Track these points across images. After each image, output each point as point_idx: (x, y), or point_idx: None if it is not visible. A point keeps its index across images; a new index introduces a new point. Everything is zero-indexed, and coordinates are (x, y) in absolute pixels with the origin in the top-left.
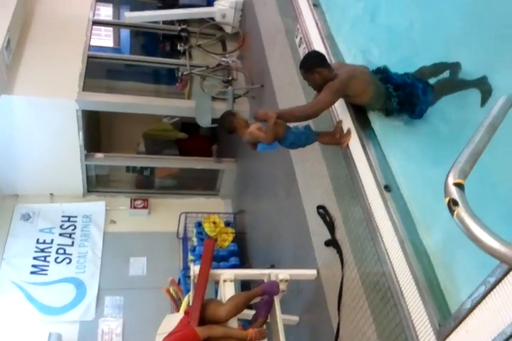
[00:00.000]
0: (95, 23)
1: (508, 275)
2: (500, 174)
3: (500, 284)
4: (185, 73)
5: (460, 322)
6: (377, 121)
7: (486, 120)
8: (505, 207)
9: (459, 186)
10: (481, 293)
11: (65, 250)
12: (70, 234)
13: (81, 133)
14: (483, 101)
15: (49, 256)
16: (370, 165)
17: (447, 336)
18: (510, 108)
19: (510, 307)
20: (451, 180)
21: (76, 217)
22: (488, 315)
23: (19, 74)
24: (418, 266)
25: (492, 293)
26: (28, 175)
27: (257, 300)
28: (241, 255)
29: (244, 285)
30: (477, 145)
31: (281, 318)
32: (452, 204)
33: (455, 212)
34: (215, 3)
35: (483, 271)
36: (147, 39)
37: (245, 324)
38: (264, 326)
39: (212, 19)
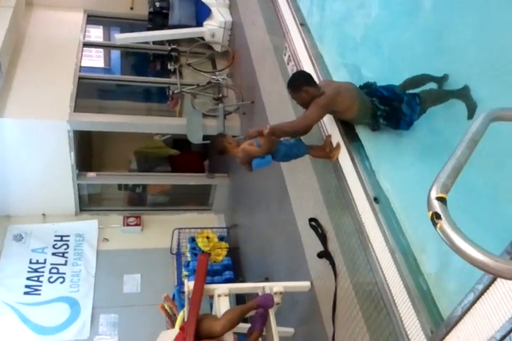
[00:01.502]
0: (86, 44)
1: (496, 282)
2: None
3: (488, 291)
4: (176, 91)
5: (451, 329)
6: (364, 134)
7: (466, 136)
8: (490, 219)
9: (442, 200)
10: (470, 300)
11: (58, 269)
12: (63, 254)
13: (73, 153)
14: (470, 114)
15: (42, 275)
16: (360, 178)
17: None
18: (490, 123)
19: (498, 313)
20: (433, 195)
21: (69, 236)
22: (478, 321)
23: (10, 97)
24: (409, 274)
25: (481, 299)
26: (20, 196)
27: (252, 313)
28: (235, 269)
29: (239, 298)
30: (458, 160)
31: (276, 331)
32: (435, 217)
33: (438, 225)
34: (205, 23)
35: (473, 277)
36: (138, 59)
37: (241, 337)
38: (260, 339)
39: (202, 38)
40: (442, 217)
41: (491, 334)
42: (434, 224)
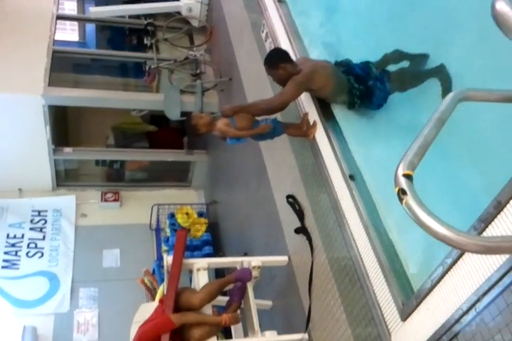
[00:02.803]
0: (59, 17)
1: (463, 257)
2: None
3: (456, 265)
4: (152, 67)
5: (421, 301)
6: (340, 113)
7: (434, 115)
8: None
9: (408, 177)
10: (439, 273)
11: (36, 244)
12: (41, 228)
13: (48, 128)
14: (444, 93)
15: (20, 250)
16: (336, 156)
17: (410, 314)
18: (458, 103)
19: (466, 286)
20: (400, 172)
21: (46, 211)
22: (446, 294)
23: None
24: (382, 249)
25: (449, 273)
26: None
27: (230, 287)
28: (214, 244)
29: (219, 273)
30: (425, 139)
31: (254, 303)
32: (401, 193)
33: (404, 201)
34: None
35: (443, 251)
36: (113, 33)
37: (220, 310)
38: (239, 311)
39: (179, 13)
40: (408, 192)
41: (458, 305)
42: (400, 200)
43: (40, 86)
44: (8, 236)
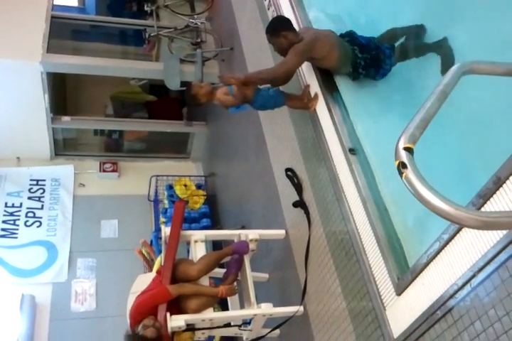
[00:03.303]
0: None
1: (460, 233)
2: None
3: (453, 240)
4: (152, 34)
5: (416, 276)
6: (343, 85)
7: (437, 88)
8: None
9: (409, 150)
10: (435, 248)
11: (34, 213)
12: (39, 198)
13: (46, 95)
14: (445, 67)
15: (18, 219)
16: (336, 129)
17: (405, 289)
18: (462, 76)
19: (461, 262)
20: (401, 145)
21: (44, 180)
22: (441, 269)
23: None
24: (379, 224)
25: (446, 248)
26: None
27: (228, 259)
28: (212, 217)
29: (217, 245)
30: (427, 112)
31: (251, 275)
32: (401, 166)
33: (404, 174)
34: None
35: (440, 227)
36: None
37: (217, 282)
38: (235, 283)
39: None
40: (408, 166)
41: (453, 281)
42: (400, 173)
43: (38, 52)
44: (6, 204)
